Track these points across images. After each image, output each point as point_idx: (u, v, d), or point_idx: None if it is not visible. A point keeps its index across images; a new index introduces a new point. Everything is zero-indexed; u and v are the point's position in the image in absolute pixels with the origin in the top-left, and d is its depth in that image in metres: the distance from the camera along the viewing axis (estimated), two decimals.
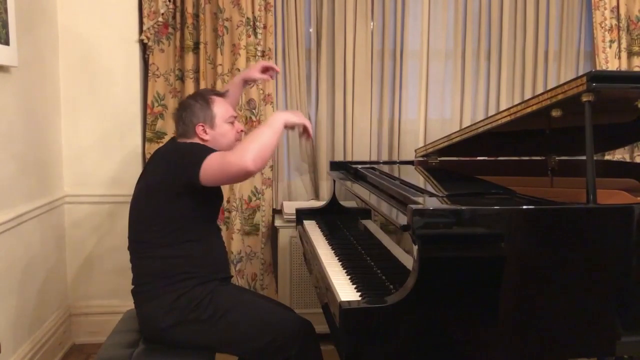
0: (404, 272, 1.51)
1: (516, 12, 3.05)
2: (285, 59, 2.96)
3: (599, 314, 1.50)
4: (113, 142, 2.85)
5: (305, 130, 2.00)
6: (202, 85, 2.80)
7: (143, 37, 2.81)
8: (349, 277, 1.71)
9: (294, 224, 2.72)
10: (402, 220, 1.47)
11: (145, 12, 2.79)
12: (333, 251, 2.03)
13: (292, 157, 3.05)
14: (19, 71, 2.33)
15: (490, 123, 1.92)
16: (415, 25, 3.05)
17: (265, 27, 2.84)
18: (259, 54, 2.83)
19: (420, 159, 2.53)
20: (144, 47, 2.86)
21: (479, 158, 2.61)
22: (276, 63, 2.94)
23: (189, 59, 2.83)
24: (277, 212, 3.02)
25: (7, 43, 2.18)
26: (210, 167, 1.75)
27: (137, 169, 2.77)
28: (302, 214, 2.60)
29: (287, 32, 2.94)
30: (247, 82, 2.40)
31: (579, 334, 1.50)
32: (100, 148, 2.84)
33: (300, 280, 2.89)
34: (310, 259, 2.17)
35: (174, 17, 2.84)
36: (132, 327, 1.98)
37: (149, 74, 2.85)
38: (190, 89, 2.81)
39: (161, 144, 2.53)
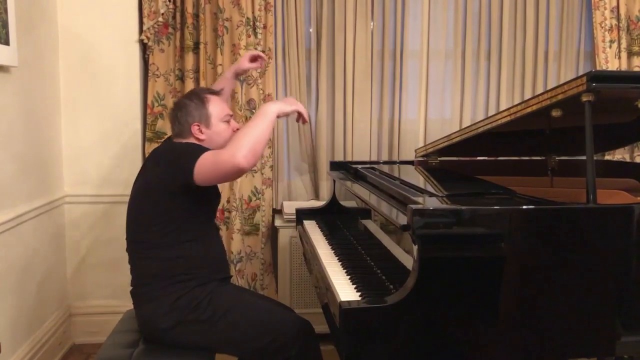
0: (404, 272, 1.51)
1: (516, 12, 3.05)
2: (285, 59, 2.96)
3: (599, 314, 1.50)
4: (113, 142, 2.85)
5: (299, 115, 1.97)
6: (203, 86, 2.80)
7: (143, 37, 2.81)
8: (349, 277, 1.71)
9: (294, 224, 2.72)
10: (402, 220, 1.47)
11: (145, 12, 2.79)
12: (333, 251, 2.03)
13: (292, 157, 3.05)
14: (19, 71, 2.33)
15: (490, 123, 1.92)
16: (415, 25, 3.05)
17: (265, 27, 2.84)
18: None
19: (420, 159, 2.54)
20: (144, 47, 2.86)
21: (479, 158, 2.61)
22: (276, 63, 2.94)
23: (189, 59, 2.83)
24: (277, 212, 3.02)
25: (7, 43, 2.18)
26: (204, 167, 1.73)
27: (137, 169, 2.71)
28: (302, 214, 2.60)
29: (287, 32, 2.94)
30: (238, 75, 2.39)
31: (579, 334, 1.50)
32: (100, 148, 2.85)
33: (300, 280, 2.89)
34: (310, 259, 2.17)
35: (174, 17, 2.84)
36: (132, 327, 1.98)
37: (149, 74, 2.85)
38: (190, 89, 2.80)
39: None
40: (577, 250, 1.49)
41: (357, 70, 2.98)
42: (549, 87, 2.39)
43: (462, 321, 1.43)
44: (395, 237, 1.75)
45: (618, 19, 2.99)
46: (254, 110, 2.86)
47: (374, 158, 3.04)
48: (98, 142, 2.84)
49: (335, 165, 2.64)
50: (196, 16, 2.82)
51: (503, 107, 3.01)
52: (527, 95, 3.02)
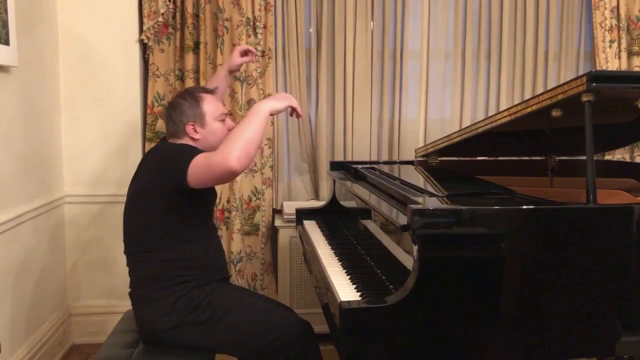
0: (404, 272, 1.51)
1: (516, 12, 3.05)
2: (285, 59, 2.96)
3: (599, 314, 1.50)
4: (113, 142, 2.85)
5: (293, 110, 1.94)
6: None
7: (143, 37, 2.81)
8: (349, 277, 1.71)
9: (294, 224, 2.72)
10: (402, 220, 1.47)
11: (145, 12, 2.79)
12: (333, 251, 2.03)
13: (292, 157, 3.05)
14: (19, 71, 2.33)
15: (490, 123, 1.92)
16: (415, 26, 3.05)
17: (265, 27, 2.84)
18: (259, 54, 2.83)
19: (420, 159, 2.54)
20: (144, 47, 2.86)
21: (479, 158, 2.61)
22: (276, 63, 2.94)
23: (189, 59, 2.83)
24: (277, 212, 3.02)
25: (7, 43, 2.18)
26: (197, 170, 1.71)
27: None
28: (302, 214, 2.60)
29: (287, 32, 2.94)
30: (232, 72, 2.38)
31: (579, 334, 1.50)
32: (100, 148, 2.85)
33: (300, 280, 2.89)
34: (310, 259, 2.17)
35: (174, 17, 2.84)
36: (131, 328, 1.97)
37: (149, 74, 2.85)
38: None
39: None
40: (577, 250, 1.49)
41: (357, 70, 2.98)
42: (549, 87, 2.39)
43: (462, 321, 1.43)
44: (395, 237, 1.75)
45: (618, 19, 2.99)
46: None
47: (374, 158, 3.04)
48: (98, 142, 2.84)
49: (335, 165, 2.64)
50: (196, 16, 2.82)
51: (503, 107, 3.02)
52: (527, 95, 3.02)
